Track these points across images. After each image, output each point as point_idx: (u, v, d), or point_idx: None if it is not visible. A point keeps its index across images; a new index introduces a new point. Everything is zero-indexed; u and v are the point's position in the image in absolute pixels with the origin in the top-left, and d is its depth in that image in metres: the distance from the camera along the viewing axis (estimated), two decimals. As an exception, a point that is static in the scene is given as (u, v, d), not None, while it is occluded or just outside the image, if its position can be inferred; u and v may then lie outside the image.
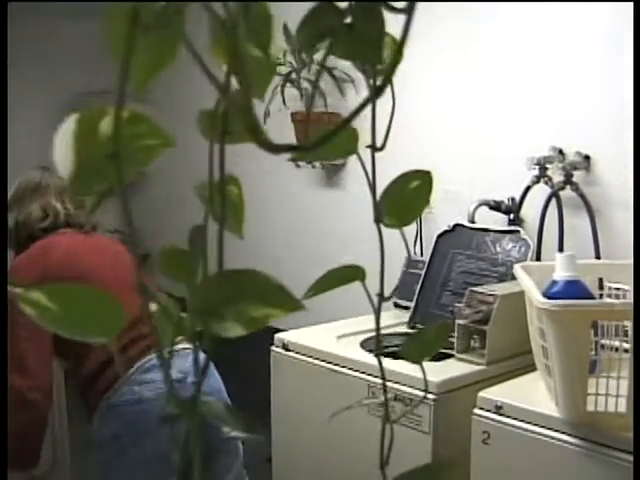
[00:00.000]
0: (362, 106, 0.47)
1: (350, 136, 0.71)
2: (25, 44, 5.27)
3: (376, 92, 0.47)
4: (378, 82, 0.57)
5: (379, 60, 0.54)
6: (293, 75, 3.81)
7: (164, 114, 5.66)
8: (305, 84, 3.79)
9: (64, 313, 0.46)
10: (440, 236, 3.02)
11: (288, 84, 3.82)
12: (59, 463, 2.93)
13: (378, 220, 0.70)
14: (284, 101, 3.82)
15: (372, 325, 2.46)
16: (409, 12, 0.43)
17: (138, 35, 0.41)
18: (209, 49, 0.48)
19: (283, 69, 3.82)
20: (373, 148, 0.68)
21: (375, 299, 0.70)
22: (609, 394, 1.84)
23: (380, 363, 0.76)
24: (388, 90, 0.58)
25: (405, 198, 0.72)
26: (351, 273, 0.70)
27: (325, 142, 0.47)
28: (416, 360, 0.74)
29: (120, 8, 0.41)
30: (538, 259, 2.82)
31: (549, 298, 1.88)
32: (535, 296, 1.88)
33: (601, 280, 2.30)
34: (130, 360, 2.33)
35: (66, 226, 2.57)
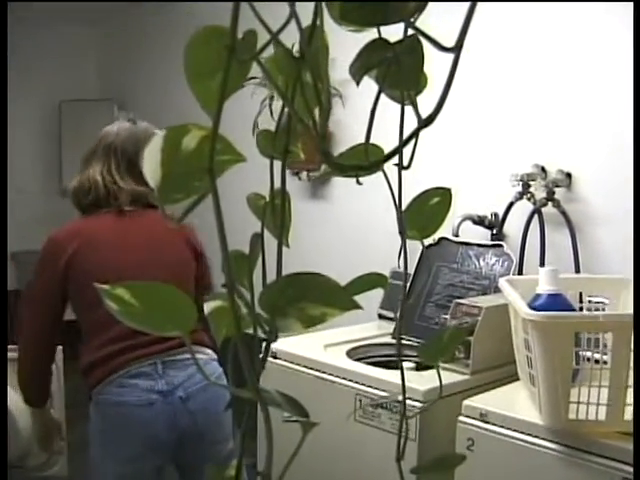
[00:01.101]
0: (415, 133, 0.54)
1: (376, 154, 0.78)
2: (9, 51, 5.29)
3: (427, 121, 0.54)
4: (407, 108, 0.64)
5: (419, 88, 0.60)
6: (281, 89, 3.88)
7: (145, 120, 5.70)
8: (293, 98, 3.86)
9: (144, 309, 0.52)
10: (425, 249, 3.09)
11: (276, 97, 3.89)
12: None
13: (402, 232, 0.76)
14: (272, 114, 3.89)
15: (358, 335, 2.55)
16: (458, 50, 0.50)
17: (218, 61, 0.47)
18: (268, 78, 0.54)
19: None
20: (400, 166, 0.74)
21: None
22: (590, 403, 1.91)
23: (402, 369, 0.82)
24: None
25: (426, 213, 0.78)
26: (376, 280, 0.77)
27: (386, 161, 0.54)
28: (432, 362, 0.81)
29: (211, 37, 0.48)
30: (520, 273, 2.90)
31: (533, 310, 1.96)
32: (522, 308, 1.96)
33: (581, 294, 2.39)
34: (121, 364, 2.39)
35: (109, 203, 2.52)
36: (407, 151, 0.73)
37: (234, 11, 0.46)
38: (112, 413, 2.40)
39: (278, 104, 3.90)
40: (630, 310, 2.22)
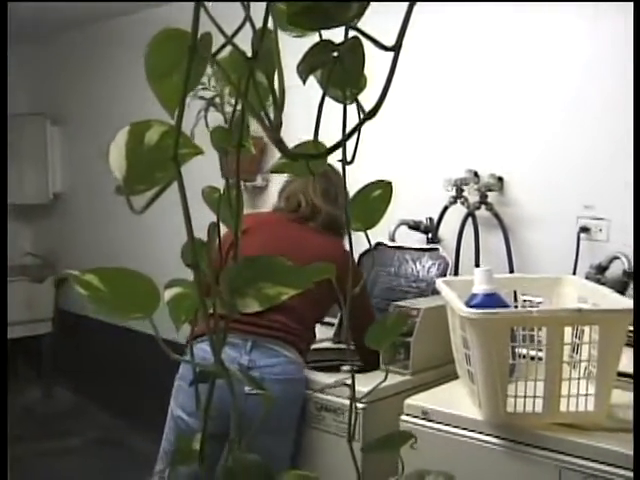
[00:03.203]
0: (355, 128, 0.58)
1: (319, 150, 0.82)
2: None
3: (368, 116, 0.58)
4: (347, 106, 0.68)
5: (360, 87, 0.65)
6: (217, 99, 3.90)
7: (77, 135, 5.68)
8: (228, 108, 3.89)
9: (111, 294, 0.55)
10: (363, 255, 3.15)
11: (212, 108, 3.92)
12: None
13: (347, 224, 0.81)
14: (207, 125, 3.90)
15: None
16: (397, 50, 0.54)
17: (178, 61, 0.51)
18: (225, 75, 0.58)
19: (207, 93, 3.92)
20: (344, 162, 0.79)
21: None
22: (527, 396, 1.98)
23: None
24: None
25: (368, 205, 0.83)
26: (325, 269, 0.81)
27: (333, 151, 0.58)
28: (378, 347, 0.85)
29: (170, 39, 0.51)
30: (456, 275, 2.97)
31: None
32: (459, 306, 2.02)
33: (515, 293, 2.46)
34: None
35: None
36: (350, 149, 0.77)
37: (195, 13, 0.50)
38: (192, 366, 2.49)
39: (214, 115, 3.92)
40: (562, 306, 2.31)
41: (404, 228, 3.17)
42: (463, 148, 3.13)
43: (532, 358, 2.05)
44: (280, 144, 0.52)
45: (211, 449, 2.57)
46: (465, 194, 3.03)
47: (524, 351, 2.13)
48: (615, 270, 2.66)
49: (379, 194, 0.83)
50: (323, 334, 3.14)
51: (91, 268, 0.56)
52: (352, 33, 0.70)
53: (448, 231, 3.13)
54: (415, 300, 2.72)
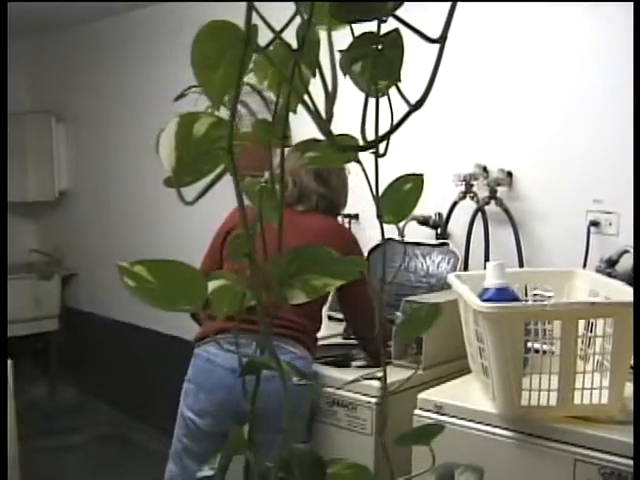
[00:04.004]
0: (402, 120, 0.59)
1: (350, 143, 0.82)
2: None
3: (415, 107, 0.58)
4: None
5: (400, 79, 0.65)
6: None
7: (83, 132, 5.69)
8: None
9: (160, 285, 0.55)
10: (372, 250, 3.15)
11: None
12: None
13: (380, 217, 0.81)
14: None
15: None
16: (442, 42, 0.55)
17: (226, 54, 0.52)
18: (276, 67, 0.58)
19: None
20: (377, 154, 0.79)
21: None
22: (541, 389, 1.99)
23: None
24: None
25: (400, 198, 0.83)
26: (360, 263, 0.81)
27: (382, 140, 0.58)
28: (409, 338, 0.86)
29: (216, 31, 0.52)
30: (466, 270, 2.98)
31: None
32: (473, 300, 2.02)
33: (526, 287, 2.47)
34: (224, 328, 2.48)
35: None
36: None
37: (248, 6, 0.50)
38: (201, 367, 2.59)
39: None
40: (574, 299, 2.31)
41: (413, 223, 3.17)
42: (472, 143, 3.14)
43: (542, 352, 2.06)
44: (330, 136, 0.53)
45: (221, 447, 2.56)
46: (474, 189, 3.03)
47: (535, 344, 2.14)
48: (625, 264, 2.66)
49: (410, 187, 0.84)
50: (333, 330, 3.15)
51: (139, 259, 0.56)
52: (383, 25, 0.70)
53: (457, 226, 3.14)
54: (426, 295, 2.73)
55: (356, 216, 3.56)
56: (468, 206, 3.05)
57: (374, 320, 2.71)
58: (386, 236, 2.79)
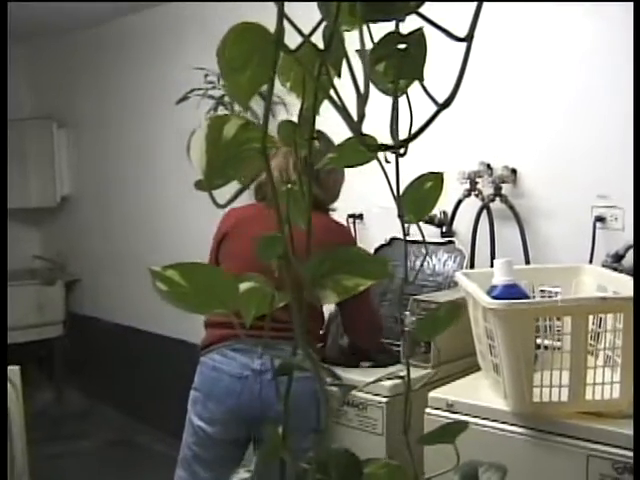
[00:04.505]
0: (431, 119, 0.59)
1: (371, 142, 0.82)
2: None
3: (443, 106, 0.58)
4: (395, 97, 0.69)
5: (423, 77, 0.65)
6: (226, 98, 3.91)
7: (84, 138, 5.69)
8: (238, 107, 3.90)
9: (192, 289, 0.55)
10: (377, 250, 3.16)
11: (221, 107, 3.92)
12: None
13: (401, 216, 0.81)
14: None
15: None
16: (469, 40, 0.55)
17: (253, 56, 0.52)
18: (305, 69, 0.58)
19: (216, 92, 3.93)
20: (397, 154, 0.79)
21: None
22: (553, 385, 1.99)
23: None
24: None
25: (420, 197, 0.83)
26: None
27: (413, 139, 0.58)
28: (428, 338, 0.86)
29: (244, 34, 0.52)
30: (472, 268, 2.98)
31: (492, 300, 2.03)
32: (483, 298, 2.02)
33: (532, 283, 2.47)
34: (227, 336, 2.58)
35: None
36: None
37: (279, 9, 0.50)
38: (208, 376, 2.61)
39: (222, 114, 3.92)
40: (582, 295, 2.31)
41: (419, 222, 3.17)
42: (476, 141, 3.14)
43: (552, 348, 2.06)
44: (361, 136, 0.53)
45: (232, 454, 2.60)
46: (479, 187, 3.03)
47: (543, 341, 2.14)
48: (632, 258, 2.66)
49: (431, 186, 0.84)
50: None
51: (171, 264, 0.56)
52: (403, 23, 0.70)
53: (462, 224, 3.14)
54: (434, 294, 2.73)
55: (360, 216, 3.57)
56: (473, 204, 3.05)
57: (375, 325, 2.72)
58: (392, 235, 2.78)
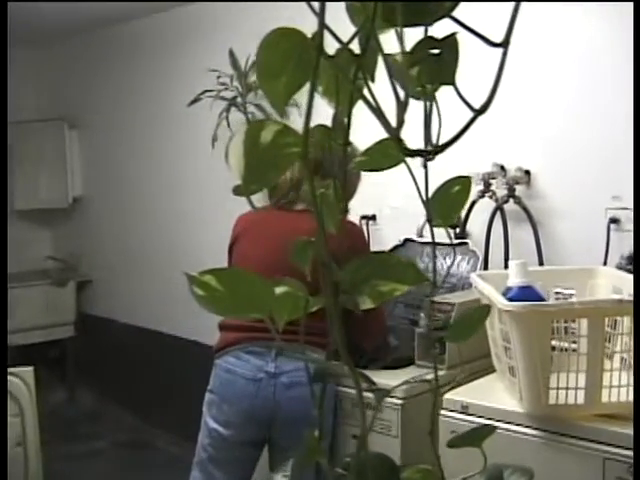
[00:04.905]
0: (469, 124, 0.59)
1: (395, 147, 0.82)
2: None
3: (479, 111, 0.58)
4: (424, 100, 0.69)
5: (455, 82, 0.65)
6: (238, 100, 3.92)
7: (96, 139, 5.70)
8: (251, 108, 3.90)
9: (228, 294, 0.56)
10: (391, 251, 3.15)
11: (233, 108, 3.93)
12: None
13: (430, 220, 0.81)
14: (229, 125, 3.92)
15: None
16: (505, 46, 0.55)
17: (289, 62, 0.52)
18: (342, 73, 0.58)
19: (228, 94, 3.93)
20: (426, 158, 0.79)
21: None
22: (569, 388, 1.98)
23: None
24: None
25: (449, 201, 0.83)
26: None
27: (450, 145, 0.59)
28: (460, 340, 0.86)
29: (281, 39, 0.52)
30: (485, 269, 2.97)
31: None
32: (499, 300, 2.02)
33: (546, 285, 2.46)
34: (241, 339, 2.61)
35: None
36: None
37: (320, 14, 0.50)
38: (222, 378, 2.63)
39: (235, 115, 3.93)
40: (597, 297, 2.31)
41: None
42: (489, 142, 3.13)
43: (565, 349, 2.06)
44: (400, 142, 0.53)
45: (247, 455, 2.64)
46: (493, 188, 3.03)
47: (557, 343, 2.13)
48: (647, 260, 2.65)
49: (458, 190, 0.84)
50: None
51: (207, 269, 0.57)
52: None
53: (476, 226, 3.13)
54: (449, 295, 2.72)
55: (373, 217, 3.57)
56: (487, 205, 3.05)
57: (385, 328, 2.73)
58: (406, 236, 2.78)
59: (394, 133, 0.53)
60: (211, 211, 4.57)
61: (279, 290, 0.62)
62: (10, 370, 2.89)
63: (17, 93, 5.78)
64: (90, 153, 5.80)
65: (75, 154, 5.82)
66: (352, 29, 0.78)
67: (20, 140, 5.75)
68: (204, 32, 4.54)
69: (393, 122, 0.62)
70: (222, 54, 3.98)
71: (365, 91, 0.57)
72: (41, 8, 4.62)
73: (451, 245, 3.04)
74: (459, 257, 2.99)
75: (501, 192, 3.02)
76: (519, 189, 3.00)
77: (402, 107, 0.55)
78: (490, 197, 3.03)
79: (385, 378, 2.43)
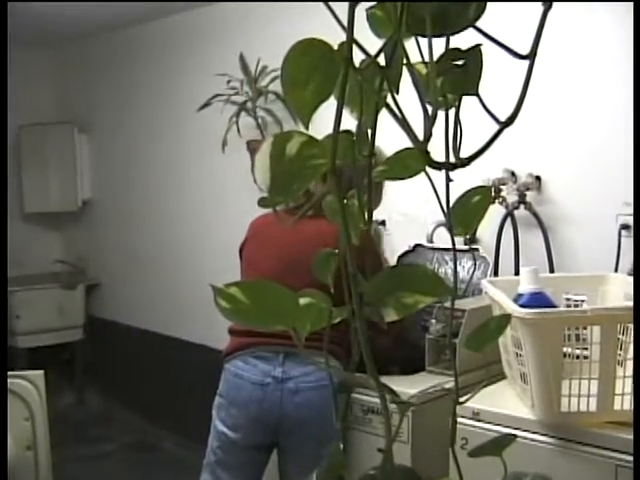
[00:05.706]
0: (496, 135, 0.59)
1: (417, 157, 0.82)
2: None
3: (506, 123, 0.58)
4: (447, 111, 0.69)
5: (478, 93, 0.65)
6: (248, 104, 3.92)
7: (105, 142, 5.72)
8: (261, 113, 3.91)
9: (253, 306, 0.56)
10: (401, 256, 3.15)
11: (243, 113, 3.93)
12: None
13: (450, 229, 0.81)
14: (238, 130, 3.93)
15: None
16: (532, 58, 0.55)
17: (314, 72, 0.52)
18: (368, 85, 0.59)
19: (239, 98, 3.94)
20: (447, 168, 0.79)
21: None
22: (581, 395, 1.98)
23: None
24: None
25: (469, 211, 0.83)
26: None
27: (479, 156, 0.59)
28: (477, 349, 0.86)
29: (307, 50, 0.52)
30: (496, 275, 2.97)
31: (519, 309, 2.02)
32: (511, 306, 2.02)
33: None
34: (249, 344, 2.63)
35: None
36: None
37: (349, 25, 0.51)
38: (230, 382, 2.66)
39: (245, 120, 3.94)
40: (611, 303, 2.30)
41: (442, 229, 3.17)
42: (500, 148, 3.11)
43: (576, 357, 2.05)
44: (427, 154, 0.53)
45: (256, 459, 2.65)
46: (503, 194, 3.03)
47: (569, 349, 2.13)
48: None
49: (479, 199, 0.84)
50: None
51: (233, 282, 0.57)
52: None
53: (486, 231, 3.13)
54: (459, 301, 2.72)
55: (383, 222, 3.57)
56: (497, 211, 3.05)
57: (396, 338, 2.73)
58: (416, 242, 2.77)
59: (422, 147, 0.54)
60: (220, 215, 4.57)
61: (303, 301, 0.62)
62: (20, 374, 2.90)
63: (28, 96, 5.81)
64: (100, 157, 5.81)
65: (85, 158, 5.84)
66: (372, 39, 0.78)
67: (30, 143, 5.76)
68: (214, 36, 4.55)
69: (416, 132, 0.62)
70: (232, 58, 3.98)
71: (390, 101, 0.58)
72: (54, 11, 4.63)
73: (461, 251, 3.03)
74: (469, 263, 2.99)
75: (512, 198, 3.02)
76: (530, 195, 3.00)
77: (430, 120, 0.55)
78: (501, 203, 3.03)
79: (397, 384, 2.43)
